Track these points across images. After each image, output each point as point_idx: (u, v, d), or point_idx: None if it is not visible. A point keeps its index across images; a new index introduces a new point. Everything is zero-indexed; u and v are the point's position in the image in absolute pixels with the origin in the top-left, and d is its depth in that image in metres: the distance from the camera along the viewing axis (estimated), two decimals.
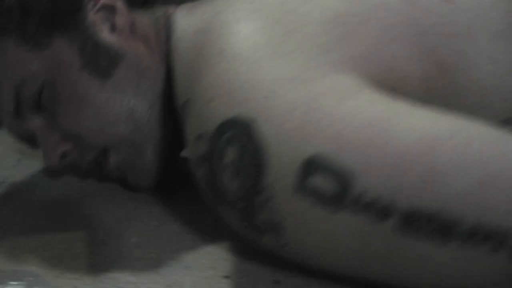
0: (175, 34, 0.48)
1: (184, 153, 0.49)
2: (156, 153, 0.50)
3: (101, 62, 0.48)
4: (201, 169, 0.39)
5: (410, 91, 0.39)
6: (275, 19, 0.40)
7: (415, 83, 0.40)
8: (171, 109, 0.49)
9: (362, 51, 0.39)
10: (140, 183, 0.52)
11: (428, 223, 0.31)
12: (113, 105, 0.48)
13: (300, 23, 0.40)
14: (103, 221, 0.50)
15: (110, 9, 0.51)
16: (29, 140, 0.52)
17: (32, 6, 0.48)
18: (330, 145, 0.32)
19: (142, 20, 0.52)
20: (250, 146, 0.35)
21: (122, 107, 0.48)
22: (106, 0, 0.51)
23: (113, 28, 0.50)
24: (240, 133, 0.35)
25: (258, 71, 0.37)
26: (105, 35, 0.49)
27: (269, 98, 0.35)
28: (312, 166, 0.33)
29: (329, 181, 0.32)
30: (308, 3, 0.41)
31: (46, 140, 0.49)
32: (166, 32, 0.51)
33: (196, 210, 0.50)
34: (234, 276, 0.41)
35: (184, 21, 0.48)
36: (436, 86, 0.40)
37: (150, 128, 0.49)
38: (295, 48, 0.38)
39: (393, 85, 0.38)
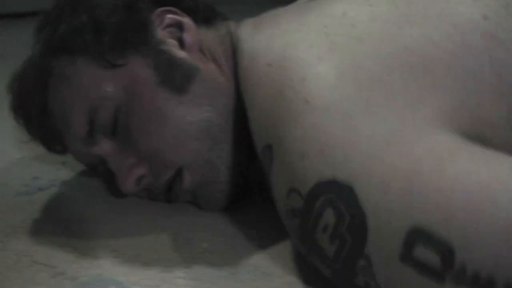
0: (244, 57, 0.45)
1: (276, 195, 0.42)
2: (230, 171, 0.48)
3: (177, 77, 0.47)
4: (293, 220, 0.37)
5: (500, 136, 0.37)
6: (356, 63, 0.38)
7: (503, 126, 0.38)
8: (242, 127, 0.47)
9: (453, 103, 0.36)
10: (213, 204, 0.50)
11: None
12: (191, 120, 0.46)
13: (384, 70, 0.37)
14: (172, 227, 0.49)
15: (177, 26, 0.50)
16: (95, 165, 0.51)
17: (105, 24, 0.47)
18: (434, 216, 0.31)
19: (208, 37, 0.51)
20: (350, 211, 0.33)
21: (199, 122, 0.47)
22: (173, 16, 0.50)
23: (181, 45, 0.49)
24: (339, 197, 0.33)
25: (353, 129, 0.34)
26: (177, 51, 0.48)
27: (368, 161, 0.33)
28: (416, 236, 0.31)
29: (432, 253, 0.30)
30: (387, 43, 0.38)
31: (120, 164, 0.47)
32: (232, 50, 0.49)
33: (266, 217, 0.49)
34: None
35: (251, 42, 0.46)
36: None
37: (225, 144, 0.48)
38: (384, 101, 0.36)
39: (483, 134, 0.36)
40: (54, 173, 0.62)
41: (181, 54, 0.48)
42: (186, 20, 0.50)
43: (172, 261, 0.43)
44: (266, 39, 0.44)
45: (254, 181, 0.52)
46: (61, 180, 0.60)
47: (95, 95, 0.46)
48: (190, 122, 0.46)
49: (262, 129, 0.41)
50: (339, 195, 0.34)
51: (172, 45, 0.48)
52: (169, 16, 0.50)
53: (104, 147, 0.47)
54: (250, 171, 0.50)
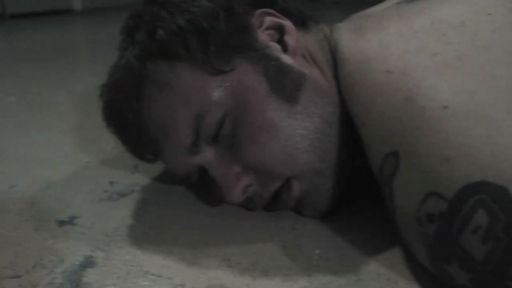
0: (351, 63, 0.43)
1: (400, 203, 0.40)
2: (336, 178, 0.46)
3: (287, 85, 0.43)
4: (427, 226, 0.36)
5: None
6: (488, 71, 0.36)
7: None
8: (346, 133, 0.45)
9: None
10: (317, 211, 0.48)
11: None
12: (302, 131, 0.43)
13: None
14: (277, 233, 0.46)
15: (277, 28, 0.47)
16: (190, 174, 0.48)
17: (208, 29, 0.43)
18: None
19: (308, 41, 0.48)
20: (504, 213, 0.32)
21: (310, 134, 0.44)
22: (273, 18, 0.47)
23: (284, 49, 0.46)
24: (492, 198, 0.32)
25: (499, 132, 0.33)
26: (282, 56, 0.45)
27: None
28: None
29: None
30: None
31: (225, 173, 0.44)
32: (332, 55, 0.47)
33: (366, 222, 0.48)
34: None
35: (357, 48, 0.43)
36: None
37: (333, 153, 0.45)
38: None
39: None
40: (129, 177, 0.59)
41: (287, 59, 0.45)
42: (287, 23, 0.47)
43: (292, 269, 0.41)
44: (377, 45, 0.42)
45: (352, 187, 0.49)
46: (139, 185, 0.57)
47: (203, 102, 0.43)
48: (302, 135, 0.43)
49: (384, 137, 0.39)
50: (492, 196, 0.32)
51: (276, 49, 0.45)
52: (269, 18, 0.47)
53: (208, 156, 0.45)
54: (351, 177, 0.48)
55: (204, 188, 0.52)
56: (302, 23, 0.50)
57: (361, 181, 0.49)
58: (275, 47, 0.46)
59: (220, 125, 0.43)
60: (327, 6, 2.42)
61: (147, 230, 0.47)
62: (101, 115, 0.49)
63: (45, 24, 2.32)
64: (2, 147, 0.71)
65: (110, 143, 0.70)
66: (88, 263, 0.42)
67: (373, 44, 0.43)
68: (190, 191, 0.55)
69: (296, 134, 0.43)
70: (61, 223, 0.49)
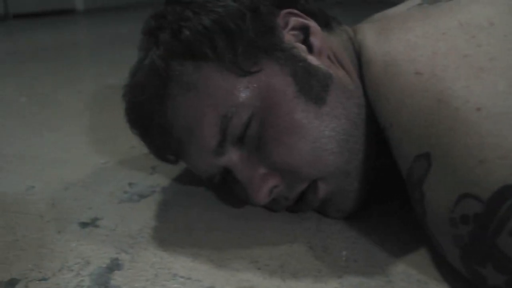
0: (377, 64, 0.42)
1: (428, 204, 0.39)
2: (362, 179, 0.45)
3: (315, 86, 0.43)
4: (460, 228, 0.35)
5: None
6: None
7: None
8: (372, 134, 0.45)
9: None
10: (342, 212, 0.47)
11: None
12: (329, 134, 0.42)
13: None
14: (301, 234, 0.46)
15: (302, 29, 0.46)
16: (213, 175, 0.47)
17: (234, 30, 0.43)
18: None
19: (332, 42, 0.48)
20: None
21: (337, 136, 0.43)
22: (298, 19, 0.47)
23: (310, 50, 0.45)
24: None
25: None
26: (309, 57, 0.44)
27: None
28: None
29: None
30: None
31: (251, 175, 0.43)
32: (357, 56, 0.47)
33: (389, 223, 0.47)
34: None
35: (382, 49, 0.43)
36: None
37: (360, 154, 0.44)
38: None
39: None
40: (148, 178, 0.58)
41: (313, 60, 0.44)
42: (312, 23, 0.46)
43: (321, 271, 0.40)
44: (404, 47, 0.42)
45: (375, 188, 0.49)
46: (159, 186, 0.56)
47: (230, 103, 0.42)
48: (329, 136, 0.42)
49: (414, 138, 0.39)
50: None
51: (302, 50, 0.45)
52: (294, 18, 0.46)
53: (233, 157, 0.44)
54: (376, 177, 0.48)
55: (226, 189, 0.51)
56: (325, 23, 0.49)
57: (384, 182, 0.49)
58: (301, 48, 0.45)
59: (247, 126, 0.42)
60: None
61: (172, 232, 0.46)
62: (123, 115, 0.48)
63: (48, 24, 2.31)
64: (17, 147, 0.70)
65: (125, 143, 0.70)
66: (114, 265, 0.41)
67: (400, 45, 0.42)
68: (210, 192, 0.55)
69: (324, 135, 0.43)
70: (84, 225, 0.48)
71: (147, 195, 0.54)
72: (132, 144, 0.70)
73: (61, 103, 0.94)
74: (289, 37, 0.45)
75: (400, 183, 0.48)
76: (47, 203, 0.53)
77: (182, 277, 0.40)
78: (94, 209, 0.51)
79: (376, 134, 0.45)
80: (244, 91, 0.42)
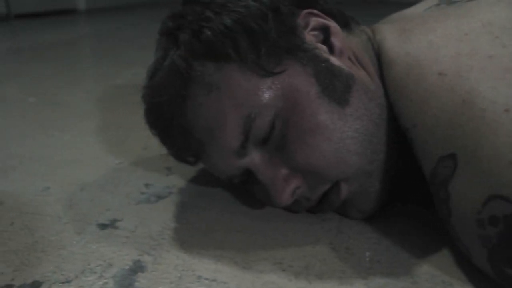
0: (398, 64, 0.42)
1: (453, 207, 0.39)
2: (384, 179, 0.45)
3: (338, 87, 0.42)
4: (489, 229, 0.35)
5: None
6: None
7: None
8: (393, 135, 0.44)
9: None
10: (363, 212, 0.47)
11: None
12: (353, 135, 0.42)
13: None
14: (323, 235, 0.45)
15: (322, 29, 0.46)
16: (233, 177, 0.46)
17: (257, 30, 0.42)
18: None
19: (352, 43, 0.47)
20: None
21: (360, 136, 0.42)
22: (319, 19, 0.46)
23: (331, 50, 0.45)
24: None
25: None
26: (331, 58, 0.44)
27: None
28: None
29: None
30: None
31: (273, 176, 0.43)
32: (377, 57, 0.46)
33: (409, 223, 0.47)
34: None
35: (404, 49, 0.43)
36: None
37: (382, 154, 0.44)
38: None
39: None
40: (164, 179, 0.58)
41: (335, 60, 0.44)
42: (333, 24, 0.46)
43: (345, 272, 0.40)
44: (426, 48, 0.41)
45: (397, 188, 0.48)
46: (175, 187, 0.56)
47: (253, 104, 0.41)
48: (352, 137, 0.42)
49: (439, 139, 0.38)
50: None
51: (323, 51, 0.44)
52: (314, 19, 0.46)
53: (255, 158, 0.43)
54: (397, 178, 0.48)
55: (245, 190, 0.51)
56: (344, 24, 0.49)
57: (403, 182, 0.49)
58: (323, 49, 0.44)
59: (270, 127, 0.42)
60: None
61: (192, 233, 0.46)
62: (143, 116, 0.48)
63: (50, 24, 2.29)
64: (29, 148, 0.70)
65: (138, 144, 0.70)
66: (137, 267, 0.41)
67: (422, 46, 0.42)
68: (228, 193, 0.54)
69: (347, 136, 0.42)
70: (103, 226, 0.47)
71: (164, 196, 0.53)
72: (145, 145, 0.70)
73: (70, 103, 0.94)
74: (310, 37, 0.45)
75: (420, 183, 0.48)
76: (63, 204, 0.52)
77: (206, 279, 0.39)
78: (112, 211, 0.51)
79: (397, 135, 0.45)
80: (267, 92, 0.41)
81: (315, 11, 0.47)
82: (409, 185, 0.50)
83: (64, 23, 2.35)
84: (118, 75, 1.18)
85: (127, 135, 0.75)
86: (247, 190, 0.50)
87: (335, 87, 0.42)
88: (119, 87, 1.06)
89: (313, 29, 0.46)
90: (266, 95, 0.41)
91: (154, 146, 0.69)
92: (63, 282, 0.39)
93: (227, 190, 0.54)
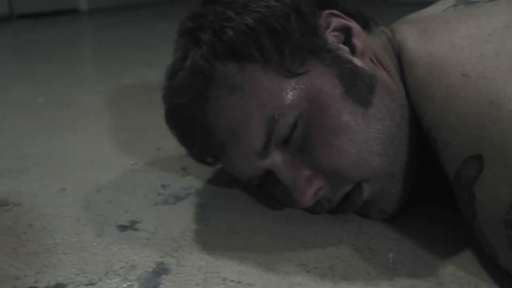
0: (419, 65, 0.42)
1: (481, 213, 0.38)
2: (405, 180, 0.44)
3: (361, 88, 0.42)
4: None
5: None
6: None
7: None
8: (414, 136, 0.44)
9: None
10: (384, 213, 0.46)
11: None
12: (376, 136, 0.42)
13: None
14: (345, 236, 0.45)
15: (344, 30, 0.46)
16: (253, 178, 0.46)
17: (280, 30, 0.41)
18: None
19: (372, 43, 0.47)
20: None
21: (383, 137, 0.42)
22: (340, 20, 0.46)
23: (352, 51, 0.44)
24: None
25: None
26: (354, 58, 0.43)
27: None
28: None
29: None
30: None
31: (296, 177, 0.42)
32: (397, 58, 0.46)
33: (429, 224, 0.47)
34: None
35: (424, 50, 0.42)
36: None
37: (404, 156, 0.43)
38: None
39: None
40: (181, 180, 0.57)
41: (357, 61, 0.43)
42: (354, 24, 0.45)
43: (370, 273, 0.39)
44: (449, 48, 0.41)
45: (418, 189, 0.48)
46: (193, 188, 0.55)
47: (277, 105, 0.41)
48: (375, 138, 0.42)
49: (464, 140, 0.38)
50: None
51: (346, 51, 0.44)
52: (336, 19, 0.45)
53: (276, 159, 0.43)
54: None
55: (265, 191, 0.50)
56: (364, 24, 0.48)
57: (423, 183, 0.48)
58: (345, 49, 0.44)
59: (293, 128, 0.42)
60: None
61: (214, 235, 0.45)
62: (164, 117, 0.47)
63: (52, 24, 2.28)
64: (41, 148, 0.69)
65: (151, 145, 0.69)
66: (161, 269, 0.40)
67: (444, 47, 0.41)
68: (246, 193, 0.54)
69: (370, 137, 0.42)
70: (123, 228, 0.47)
71: (182, 197, 0.53)
72: (158, 145, 0.69)
73: (79, 104, 0.93)
74: (331, 38, 0.44)
75: (440, 184, 0.47)
76: (81, 205, 0.52)
77: (232, 281, 0.39)
78: (131, 212, 0.50)
79: (417, 136, 0.44)
80: (291, 93, 0.41)
81: (336, 12, 0.46)
82: (429, 186, 0.49)
83: (66, 23, 2.33)
84: (124, 75, 1.18)
85: (139, 135, 0.74)
86: (266, 191, 0.50)
87: (359, 88, 0.42)
88: (126, 87, 1.05)
89: (335, 29, 0.45)
90: (290, 96, 0.41)
91: (167, 146, 0.69)
92: (87, 285, 0.39)
93: (245, 191, 0.54)
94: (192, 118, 0.44)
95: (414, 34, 0.45)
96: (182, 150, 0.62)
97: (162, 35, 1.94)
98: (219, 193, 0.54)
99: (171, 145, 0.68)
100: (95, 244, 0.44)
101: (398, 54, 0.46)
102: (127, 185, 0.56)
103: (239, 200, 0.52)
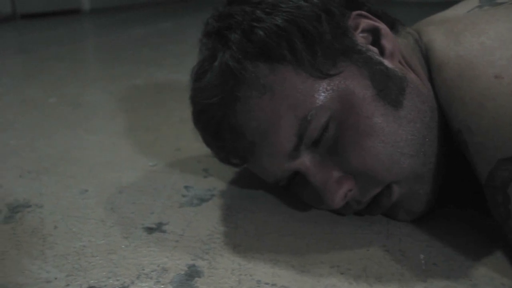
0: (449, 67, 0.41)
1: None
2: (434, 181, 0.44)
3: (393, 90, 0.41)
4: None
5: None
6: None
7: None
8: (443, 137, 0.43)
9: None
10: (412, 214, 0.46)
11: None
12: (406, 136, 0.41)
13: None
14: (375, 238, 0.44)
15: (372, 31, 0.45)
16: (280, 179, 0.45)
17: (312, 32, 0.41)
18: None
19: (400, 45, 0.46)
20: None
21: (414, 139, 0.42)
22: (369, 21, 0.45)
23: (381, 52, 0.44)
24: None
25: None
26: (384, 60, 0.43)
27: None
28: None
29: None
30: None
31: (327, 179, 0.42)
32: (425, 59, 0.45)
33: (456, 225, 0.46)
34: None
35: (455, 51, 0.42)
36: None
37: (433, 157, 0.43)
38: None
39: None
40: (203, 181, 0.57)
41: (388, 63, 0.43)
42: (383, 26, 0.45)
43: (404, 275, 0.39)
44: (479, 50, 0.40)
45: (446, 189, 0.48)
46: (216, 189, 0.54)
47: (309, 106, 0.40)
48: (406, 140, 0.41)
49: (498, 142, 0.38)
50: None
51: (375, 53, 0.43)
52: (365, 20, 0.45)
53: (306, 160, 0.42)
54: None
55: (288, 192, 0.50)
56: (391, 26, 0.48)
57: (449, 184, 0.48)
58: (374, 50, 0.43)
59: (324, 129, 0.41)
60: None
61: (243, 237, 0.45)
62: (192, 118, 0.47)
63: (56, 24, 2.26)
64: (59, 149, 0.68)
65: (169, 146, 0.69)
66: (193, 272, 0.40)
67: (475, 48, 0.41)
68: (271, 195, 0.53)
69: (402, 139, 0.41)
70: (150, 230, 0.46)
71: (207, 199, 0.52)
72: (177, 146, 0.69)
73: (91, 104, 0.92)
74: (360, 39, 0.44)
75: (468, 185, 0.47)
76: (105, 207, 0.51)
77: (266, 283, 0.38)
78: (156, 214, 0.49)
79: (446, 137, 0.44)
80: (323, 94, 0.41)
81: (364, 13, 0.46)
82: (454, 187, 0.49)
83: (69, 23, 2.32)
84: (134, 75, 1.17)
85: (156, 136, 0.73)
86: (291, 193, 0.49)
87: (390, 89, 0.41)
88: (138, 87, 1.05)
89: (363, 30, 0.45)
90: (322, 97, 0.41)
91: (186, 147, 0.68)
92: None
93: (269, 192, 0.53)
94: (222, 119, 0.44)
95: (442, 35, 0.45)
96: (202, 151, 0.62)
97: (167, 35, 1.93)
98: (243, 194, 0.54)
99: (190, 146, 0.68)
100: (123, 246, 0.44)
101: (426, 55, 0.46)
102: (150, 187, 0.56)
103: (265, 202, 0.52)
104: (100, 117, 0.84)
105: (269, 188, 0.54)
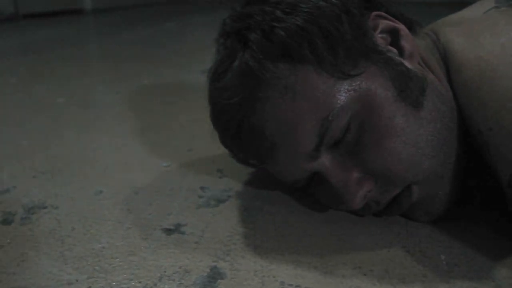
0: (469, 68, 0.41)
1: None
2: (454, 182, 0.44)
3: (413, 90, 0.41)
4: None
5: None
6: None
7: None
8: (462, 137, 0.43)
9: None
10: (431, 215, 0.45)
11: None
12: (427, 137, 0.41)
13: None
14: (396, 238, 0.44)
15: (391, 32, 0.45)
16: (298, 180, 0.45)
17: (333, 32, 0.40)
18: None
19: (419, 45, 0.46)
20: None
21: (434, 140, 0.41)
22: (388, 21, 0.45)
23: (401, 53, 0.43)
24: None
25: None
26: (404, 61, 0.42)
27: None
28: None
29: None
30: None
31: (346, 179, 0.41)
32: (443, 60, 0.45)
33: (474, 225, 0.46)
34: None
35: (474, 53, 0.41)
36: None
37: (453, 158, 0.43)
38: None
39: None
40: (218, 182, 0.56)
41: (407, 63, 0.42)
42: (402, 26, 0.44)
43: (426, 276, 0.39)
44: (499, 51, 0.40)
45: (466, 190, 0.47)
46: (232, 190, 0.54)
47: (331, 107, 0.40)
48: (427, 140, 0.41)
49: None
50: None
51: (395, 54, 0.43)
52: (384, 21, 0.44)
53: (326, 161, 0.42)
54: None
55: (305, 193, 0.50)
56: (409, 27, 0.47)
57: (466, 185, 0.48)
58: (394, 51, 0.43)
59: (346, 130, 0.41)
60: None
61: (263, 238, 0.44)
62: (210, 118, 0.46)
63: (58, 24, 2.25)
64: (71, 150, 0.67)
65: (181, 146, 0.68)
66: (216, 274, 0.39)
67: (495, 49, 0.41)
68: (288, 196, 0.53)
69: (422, 140, 0.41)
70: (168, 231, 0.46)
71: (224, 200, 0.52)
72: (189, 146, 0.68)
73: (100, 104, 0.92)
74: (380, 40, 0.44)
75: (484, 186, 0.47)
76: (121, 208, 0.51)
77: (290, 285, 0.38)
78: (174, 215, 0.49)
79: (465, 138, 0.43)
80: (344, 94, 0.40)
81: (383, 14, 0.45)
82: (472, 188, 0.49)
83: (72, 23, 2.31)
84: (142, 75, 1.16)
85: (167, 136, 0.73)
86: (308, 194, 0.49)
87: (411, 90, 0.41)
88: (146, 88, 1.04)
89: (382, 31, 0.44)
90: (343, 98, 0.40)
91: (199, 147, 0.67)
92: None
93: (286, 192, 0.53)
94: (242, 119, 0.43)
95: (460, 36, 0.44)
96: (215, 151, 0.62)
97: (170, 35, 1.92)
98: (260, 195, 0.53)
99: (202, 146, 0.68)
100: (143, 248, 0.43)
101: (444, 56, 0.45)
102: (165, 188, 0.55)
103: (282, 202, 0.51)
104: (110, 117, 0.83)
105: (285, 189, 0.54)
